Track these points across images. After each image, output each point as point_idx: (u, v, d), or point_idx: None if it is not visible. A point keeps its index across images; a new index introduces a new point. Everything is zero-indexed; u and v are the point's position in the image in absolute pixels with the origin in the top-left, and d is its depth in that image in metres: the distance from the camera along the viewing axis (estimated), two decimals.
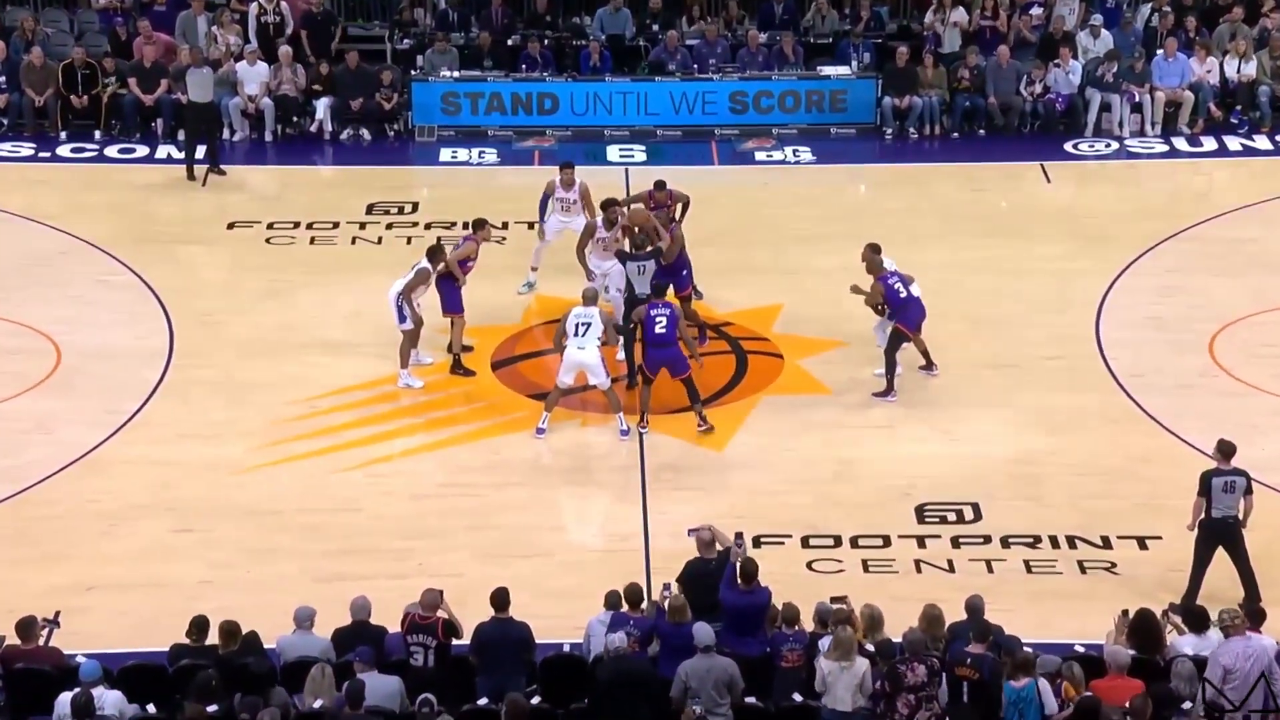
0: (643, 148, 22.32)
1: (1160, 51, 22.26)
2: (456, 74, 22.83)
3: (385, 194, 20.87)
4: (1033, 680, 10.81)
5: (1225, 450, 12.94)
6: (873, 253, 16.14)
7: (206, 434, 15.60)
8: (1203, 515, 12.84)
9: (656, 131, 22.64)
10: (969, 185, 20.97)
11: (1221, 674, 10.98)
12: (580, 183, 17.80)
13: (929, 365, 16.21)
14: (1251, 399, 15.80)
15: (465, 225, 19.84)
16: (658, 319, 15.34)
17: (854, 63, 22.77)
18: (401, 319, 16.19)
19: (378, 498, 14.83)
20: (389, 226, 20.02)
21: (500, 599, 11.75)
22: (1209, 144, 21.76)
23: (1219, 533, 12.81)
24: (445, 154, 22.38)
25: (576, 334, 15.44)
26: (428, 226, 19.83)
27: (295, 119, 22.86)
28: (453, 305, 16.63)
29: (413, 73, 23.00)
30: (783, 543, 13.99)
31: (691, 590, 12.02)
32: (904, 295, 15.81)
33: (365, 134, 22.81)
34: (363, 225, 20.13)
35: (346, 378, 16.50)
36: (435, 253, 16.40)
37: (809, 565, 13.81)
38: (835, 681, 11.09)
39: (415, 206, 20.62)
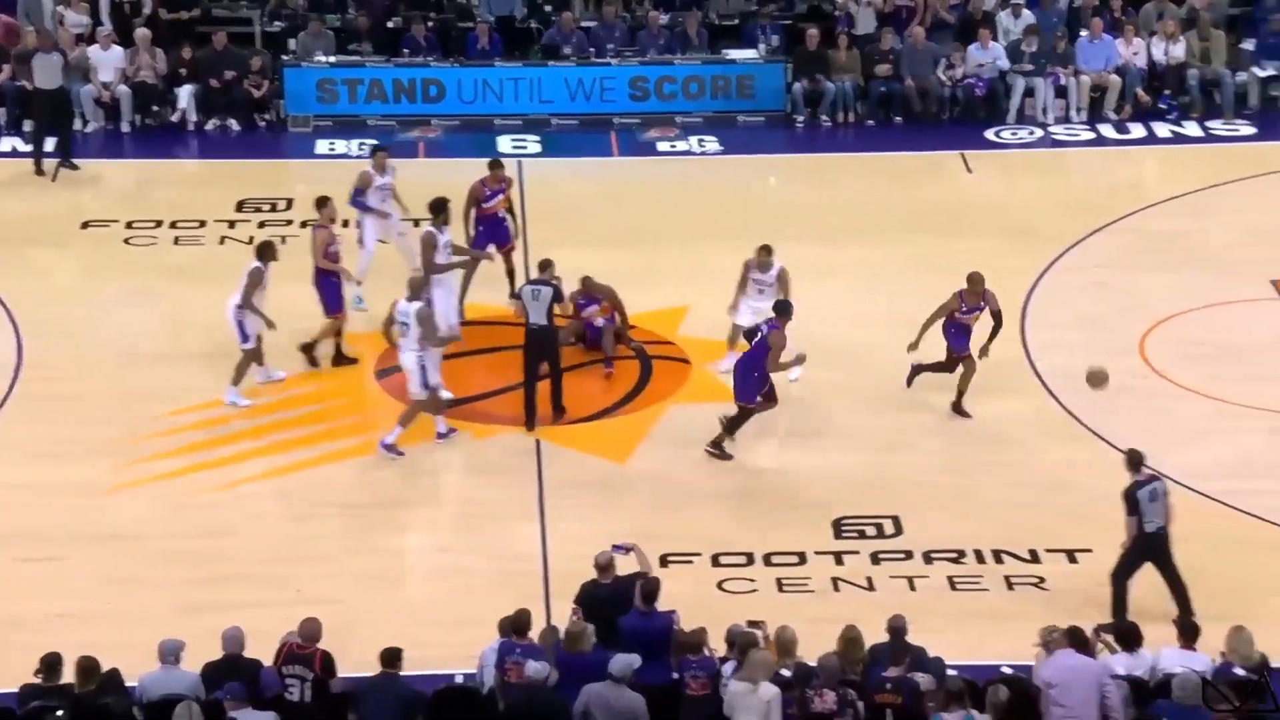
0: (537, 138, 22.29)
1: (1084, 33, 22.59)
2: (333, 59, 22.67)
3: (256, 189, 20.67)
4: (968, 713, 10.89)
5: (1135, 460, 13.11)
6: (765, 254, 16.23)
7: (60, 453, 15.37)
8: (1135, 531, 13.03)
9: (551, 120, 22.62)
10: (886, 176, 21.15)
11: (1045, 690, 11.08)
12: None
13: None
14: (1184, 402, 16.08)
15: (346, 224, 19.72)
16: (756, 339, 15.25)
17: (762, 46, 22.89)
18: (244, 338, 16.01)
19: (250, 520, 14.68)
20: (261, 225, 19.82)
21: (389, 657, 11.56)
22: (1137, 131, 22.13)
23: (1154, 547, 13.01)
24: (322, 145, 22.22)
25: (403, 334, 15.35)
26: (304, 224, 19.60)
27: (155, 108, 22.59)
28: (335, 305, 16.52)
29: (284, 58, 22.80)
30: (691, 561, 14.02)
31: (589, 616, 12.03)
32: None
33: (233, 124, 22.58)
34: (232, 224, 19.93)
35: (215, 391, 16.32)
36: (265, 250, 16.26)
37: (720, 585, 13.84)
38: (739, 706, 11.12)
39: (290, 203, 20.44)
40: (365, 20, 23.19)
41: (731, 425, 15.32)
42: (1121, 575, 13.06)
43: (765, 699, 11.08)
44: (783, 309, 15.36)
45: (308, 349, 16.72)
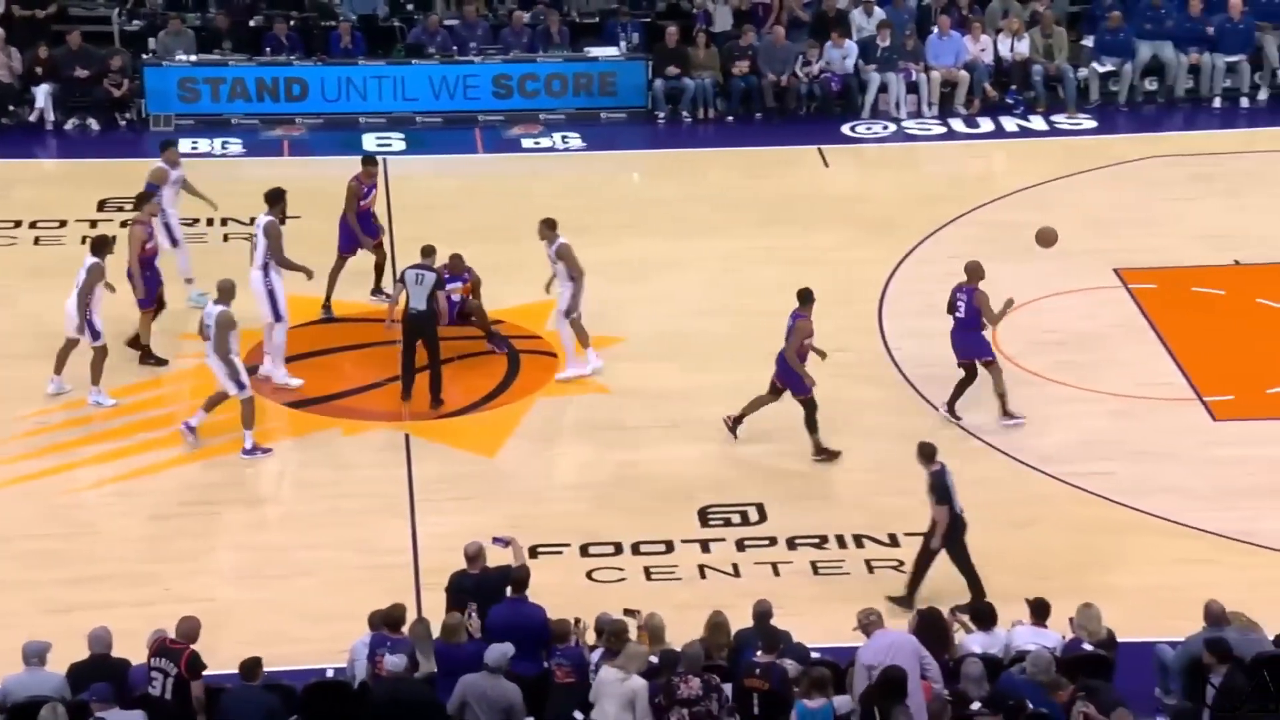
0: (401, 135, 22.10)
1: (934, 30, 22.90)
2: (194, 58, 22.30)
3: (118, 189, 20.23)
4: (829, 701, 10.96)
5: (929, 452, 13.21)
6: (547, 228, 16.25)
7: None
8: (948, 517, 13.12)
9: (415, 118, 22.44)
10: (745, 171, 21.26)
11: (866, 674, 11.18)
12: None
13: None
14: (1036, 387, 16.35)
15: (210, 222, 19.44)
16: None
17: (623, 43, 22.90)
18: (95, 336, 15.74)
19: (116, 519, 14.44)
20: (124, 224, 19.39)
21: (247, 668, 11.34)
22: (986, 125, 22.46)
23: (963, 528, 13.17)
24: (185, 144, 21.74)
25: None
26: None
27: (11, 108, 22.07)
28: (148, 301, 16.40)
29: (144, 57, 22.39)
30: (561, 552, 13.99)
31: (453, 605, 12.01)
32: None
33: (93, 124, 22.14)
34: (94, 223, 19.54)
35: (79, 391, 15.99)
36: (101, 245, 16.01)
37: (589, 575, 13.84)
38: (605, 693, 11.11)
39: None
40: (225, 19, 22.84)
41: (810, 423, 15.12)
42: (963, 560, 13.18)
43: (633, 689, 11.08)
44: (805, 298, 15.25)
45: (145, 351, 16.40)
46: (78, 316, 15.68)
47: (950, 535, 13.13)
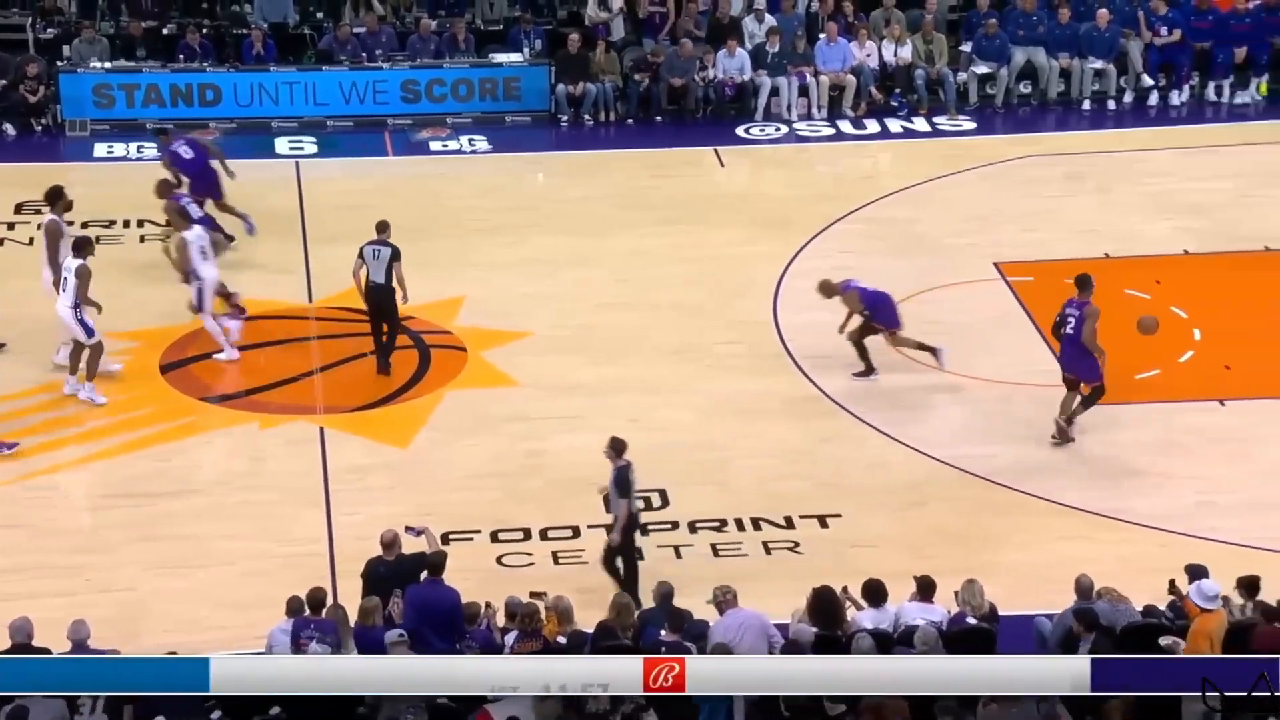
0: (313, 139, 21.90)
1: (822, 36, 23.05)
2: (108, 65, 21.96)
3: (35, 192, 19.73)
4: None
5: (618, 447, 13.10)
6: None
7: None
8: (627, 512, 13.05)
9: (327, 122, 22.25)
10: (646, 171, 21.28)
11: (720, 649, 11.15)
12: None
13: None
14: (922, 374, 16.50)
15: (127, 224, 19.16)
16: (1069, 316, 14.99)
17: (526, 49, 22.84)
18: (89, 334, 15.53)
19: (38, 512, 14.22)
20: (39, 227, 19.08)
21: None
22: (872, 126, 22.62)
23: (636, 525, 13.12)
24: (100, 149, 21.51)
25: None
26: (84, 225, 19.01)
27: None
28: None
29: (59, 64, 22.00)
30: (471, 538, 13.94)
31: (369, 591, 11.96)
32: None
33: (9, 129, 21.74)
34: (11, 225, 19.22)
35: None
36: (82, 246, 15.75)
37: (499, 560, 13.80)
38: None
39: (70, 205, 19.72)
40: (138, 26, 22.50)
41: (1087, 404, 14.81)
42: (628, 554, 13.09)
43: None
44: (1085, 284, 15.03)
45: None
46: (71, 319, 15.42)
47: (627, 527, 13.02)
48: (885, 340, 16.19)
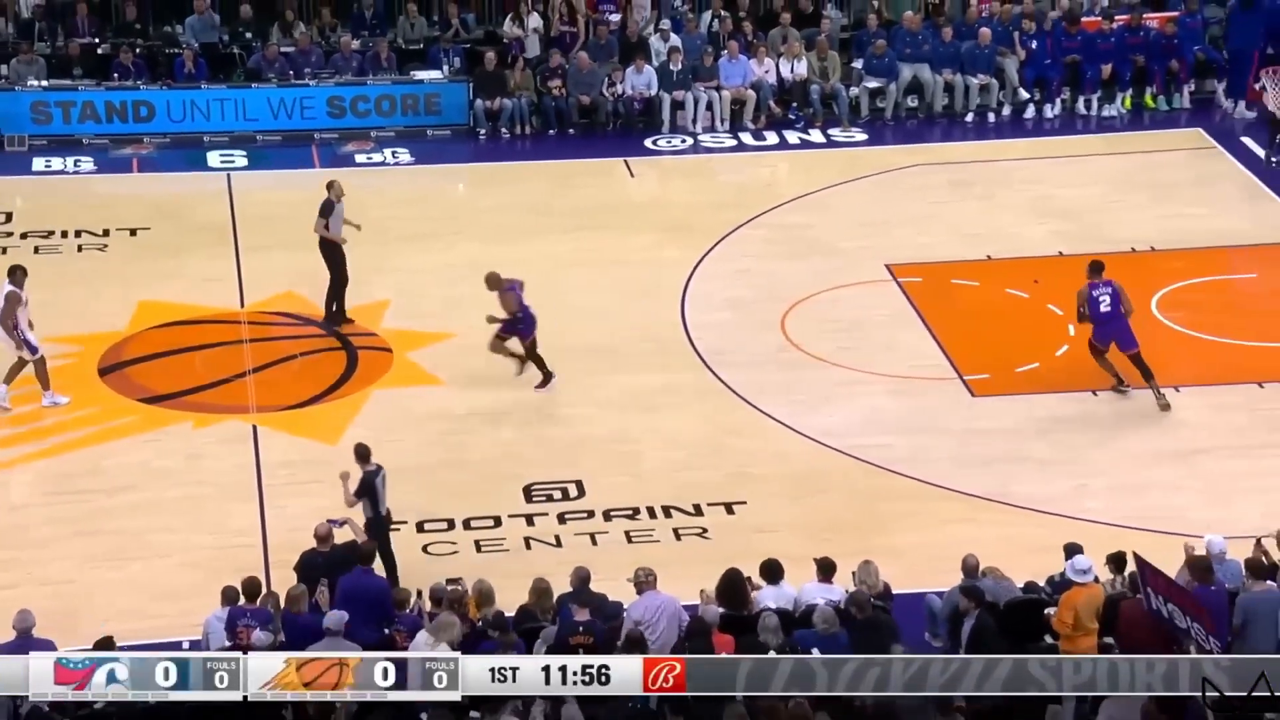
0: (244, 153, 21.69)
1: (724, 54, 23.16)
2: (45, 83, 21.64)
3: None
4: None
5: (364, 454, 13.04)
6: None
7: None
8: (371, 514, 12.96)
9: (256, 137, 22.05)
10: (560, 182, 21.28)
11: (634, 627, 11.26)
12: None
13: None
14: (821, 370, 16.63)
15: (65, 235, 18.88)
16: (1100, 298, 15.36)
17: (445, 67, 22.77)
18: (33, 350, 15.33)
19: None
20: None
21: (101, 645, 10.97)
22: (771, 138, 22.74)
23: (384, 525, 13.02)
24: (38, 163, 21.17)
25: None
26: (24, 236, 18.76)
27: None
28: None
29: None
30: (398, 529, 13.88)
31: (303, 581, 11.90)
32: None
33: None
34: None
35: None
36: (14, 270, 15.52)
37: (424, 549, 13.76)
38: None
39: (9, 217, 19.47)
40: (75, 47, 22.19)
41: (1147, 374, 15.35)
42: (385, 551, 12.89)
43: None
44: (1098, 269, 15.59)
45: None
46: (10, 336, 15.22)
47: (375, 531, 12.89)
48: (500, 343, 15.78)
